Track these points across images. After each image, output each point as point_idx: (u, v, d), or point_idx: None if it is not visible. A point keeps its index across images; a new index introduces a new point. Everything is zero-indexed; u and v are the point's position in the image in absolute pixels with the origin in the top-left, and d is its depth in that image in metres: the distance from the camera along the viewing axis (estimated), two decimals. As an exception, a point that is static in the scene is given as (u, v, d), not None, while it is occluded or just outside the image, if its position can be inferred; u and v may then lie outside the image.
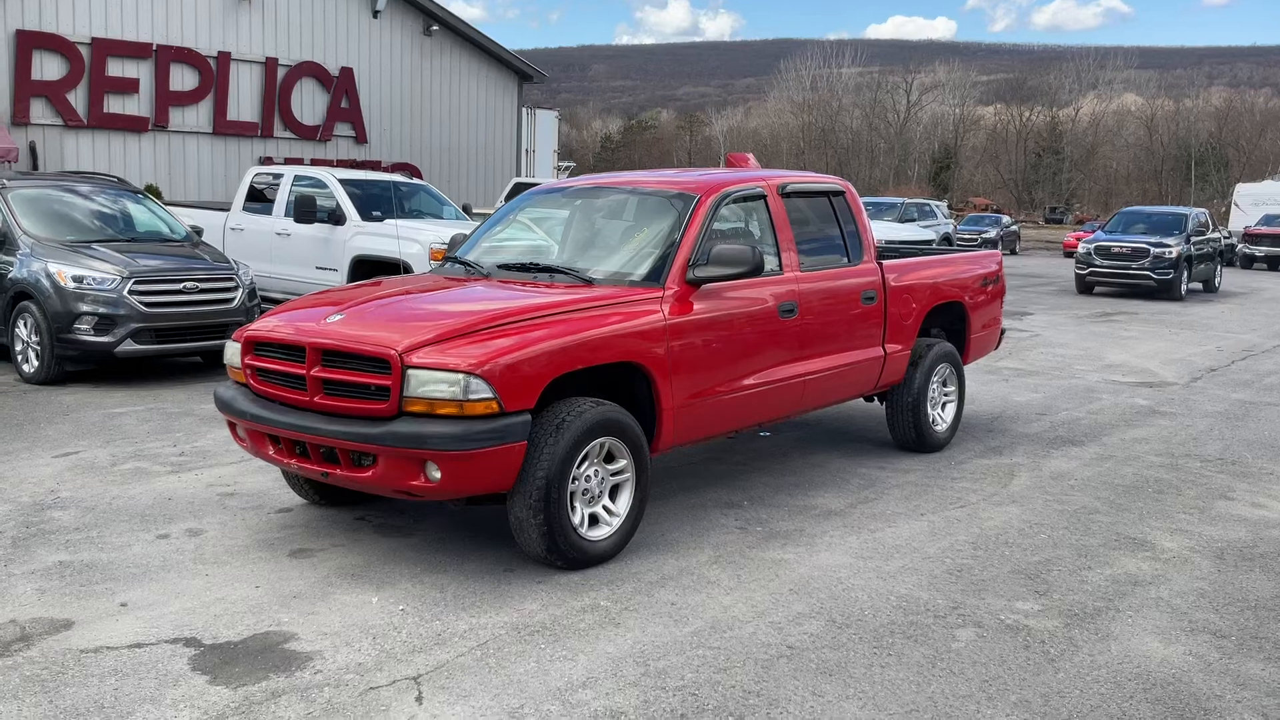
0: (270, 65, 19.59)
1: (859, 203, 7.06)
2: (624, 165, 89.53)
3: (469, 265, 6.01)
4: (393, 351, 4.68)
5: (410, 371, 4.64)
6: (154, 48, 18.21)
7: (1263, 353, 13.90)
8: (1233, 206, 41.26)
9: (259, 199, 13.27)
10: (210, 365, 10.29)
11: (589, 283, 5.52)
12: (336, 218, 12.11)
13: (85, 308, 9.07)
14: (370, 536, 5.45)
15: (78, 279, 9.13)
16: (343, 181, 12.50)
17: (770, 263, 6.07)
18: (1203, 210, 24.68)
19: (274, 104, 19.66)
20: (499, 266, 5.88)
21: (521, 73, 22.64)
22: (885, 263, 7.07)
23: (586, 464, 4.98)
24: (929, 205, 29.02)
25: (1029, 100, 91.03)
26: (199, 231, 11.40)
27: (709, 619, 4.47)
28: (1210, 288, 23.50)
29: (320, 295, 5.83)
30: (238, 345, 5.36)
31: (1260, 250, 33.84)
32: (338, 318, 5.04)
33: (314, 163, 18.13)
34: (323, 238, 12.21)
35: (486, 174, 21.84)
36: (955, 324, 7.81)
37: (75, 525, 5.51)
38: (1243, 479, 7.03)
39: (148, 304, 9.24)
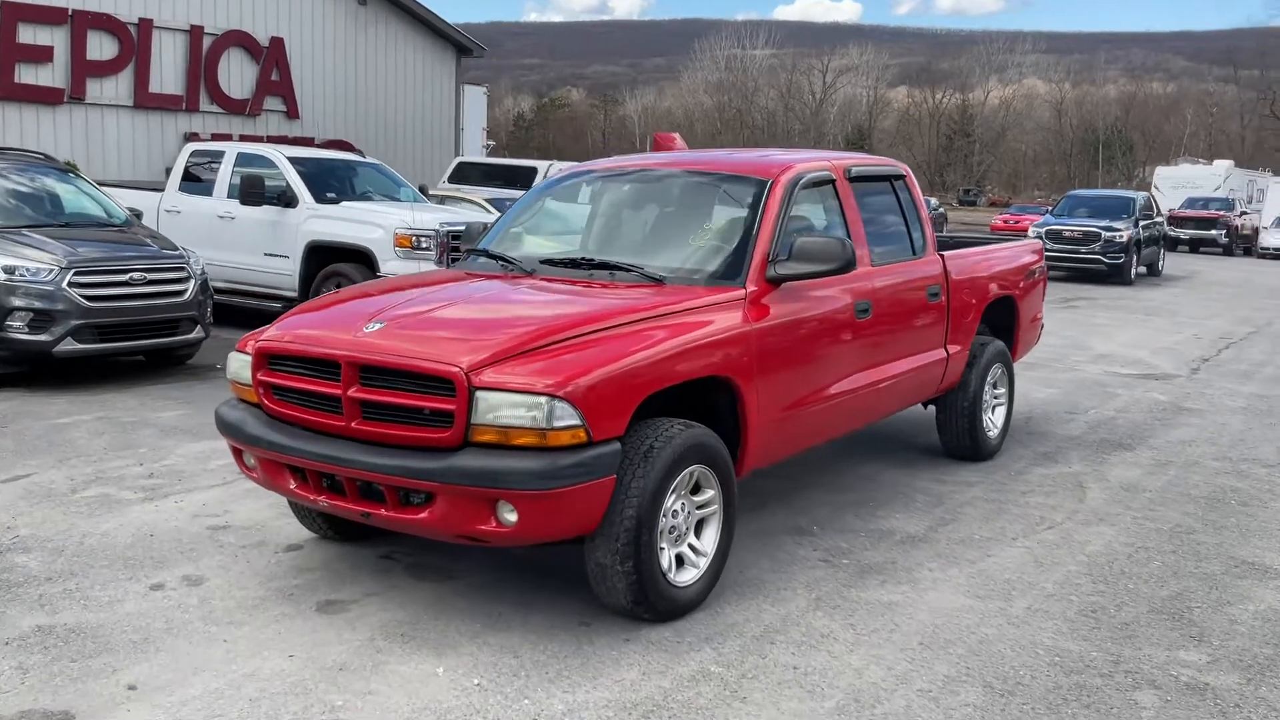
0: (195, 34, 18.19)
1: (918, 188, 6.38)
2: (538, 145, 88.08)
3: (506, 261, 5.17)
4: (457, 369, 3.86)
5: (480, 394, 3.83)
6: (69, 13, 16.73)
7: (1242, 340, 13.68)
8: (1153, 190, 41.87)
9: (192, 179, 12.13)
10: (155, 366, 9.22)
11: (657, 282, 4.74)
12: (287, 199, 11.09)
13: (18, 302, 7.96)
14: (405, 581, 4.63)
15: (8, 269, 8.01)
16: (292, 160, 11.46)
17: (847, 257, 5.35)
18: (1145, 194, 24.72)
19: (200, 75, 18.23)
20: (543, 262, 5.06)
21: (460, 45, 21.51)
22: (945, 254, 6.41)
23: (674, 497, 4.23)
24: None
25: (938, 83, 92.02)
26: (138, 215, 10.29)
27: (846, 689, 3.76)
28: (1154, 271, 23.50)
29: (338, 297, 4.95)
30: (247, 358, 4.47)
31: (1185, 233, 34.31)
32: (376, 326, 4.19)
33: (243, 139, 16.88)
34: (271, 221, 11.18)
35: (425, 152, 20.74)
36: (1004, 319, 7.20)
37: (46, 574, 4.58)
38: (1318, 487, 6.57)
39: (89, 297, 8.16)
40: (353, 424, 4.07)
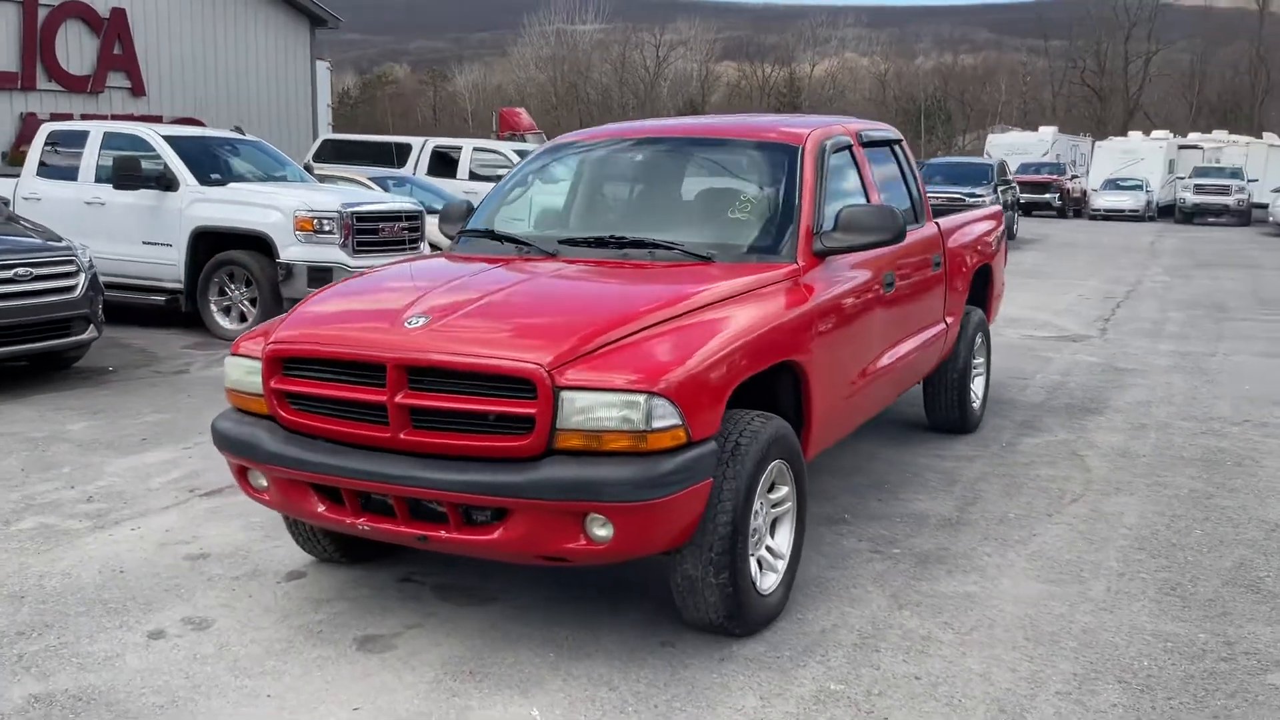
0: (29, 5, 16.46)
1: (910, 154, 6.13)
2: (365, 123, 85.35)
3: (520, 242, 4.64)
4: (537, 368, 3.36)
5: (565, 394, 3.34)
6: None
7: (1125, 299, 14.12)
8: (986, 157, 43.36)
9: (50, 163, 10.96)
10: (39, 371, 8.23)
11: (704, 260, 4.31)
12: (166, 182, 10.13)
13: (-116, 306, 6.95)
14: (442, 607, 4.09)
15: None
16: (169, 139, 10.47)
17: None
18: (998, 159, 25.42)
19: (35, 50, 16.54)
20: (562, 242, 4.55)
21: (315, 17, 20.30)
22: (939, 221, 6.17)
23: (757, 498, 3.83)
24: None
25: (766, 57, 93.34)
26: (5, 202, 9.20)
27: (984, 698, 3.45)
28: (1010, 235, 24.19)
29: (341, 291, 4.34)
30: (254, 363, 3.85)
31: (1022, 197, 35.55)
32: (421, 322, 3.64)
33: (85, 118, 15.48)
34: (149, 206, 10.19)
35: (281, 130, 19.46)
36: (980, 287, 7.03)
37: (15, 628, 3.86)
38: (1293, 443, 6.65)
39: (-32, 298, 7.20)
40: (401, 435, 3.53)
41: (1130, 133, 48.06)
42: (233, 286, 9.97)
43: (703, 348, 3.56)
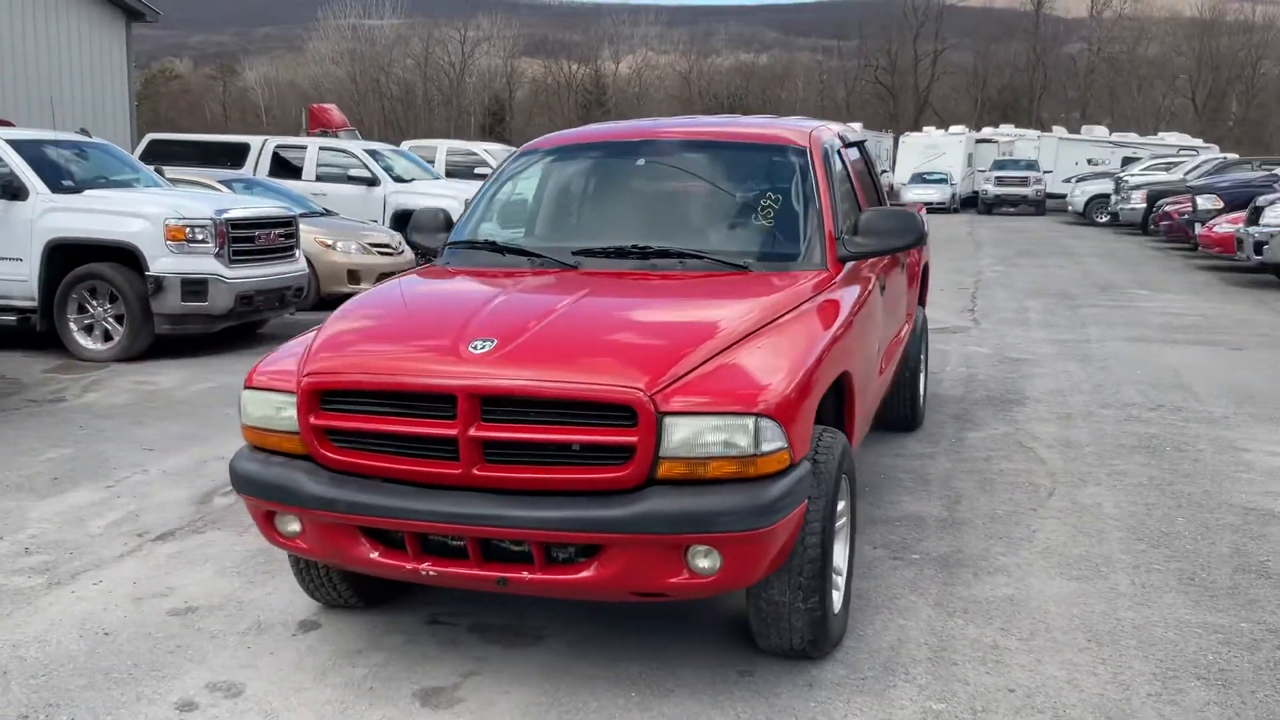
0: None
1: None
2: (149, 119, 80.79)
3: (531, 254, 4.35)
4: (638, 392, 3.13)
5: (669, 420, 3.13)
6: None
7: (977, 290, 14.71)
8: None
9: None
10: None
11: (741, 269, 4.15)
12: (13, 190, 9.20)
13: None
14: (490, 650, 3.80)
15: None
16: (11, 143, 9.52)
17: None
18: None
19: None
20: (577, 253, 4.29)
21: (131, 10, 18.93)
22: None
23: (828, 515, 3.70)
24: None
25: (571, 54, 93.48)
26: None
27: (1086, 706, 3.42)
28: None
29: (369, 314, 3.98)
30: (285, 397, 3.47)
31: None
32: (487, 346, 3.35)
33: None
34: (-8, 217, 9.24)
35: (98, 130, 18.07)
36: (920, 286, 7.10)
37: (20, 710, 3.36)
38: (1209, 425, 6.98)
39: None
40: (475, 471, 3.23)
41: (926, 128, 50.31)
42: (95, 303, 9.15)
43: (794, 365, 3.41)
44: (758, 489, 3.17)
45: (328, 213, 13.53)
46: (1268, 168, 23.51)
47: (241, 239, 9.39)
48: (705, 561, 3.19)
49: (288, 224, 10.08)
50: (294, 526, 3.54)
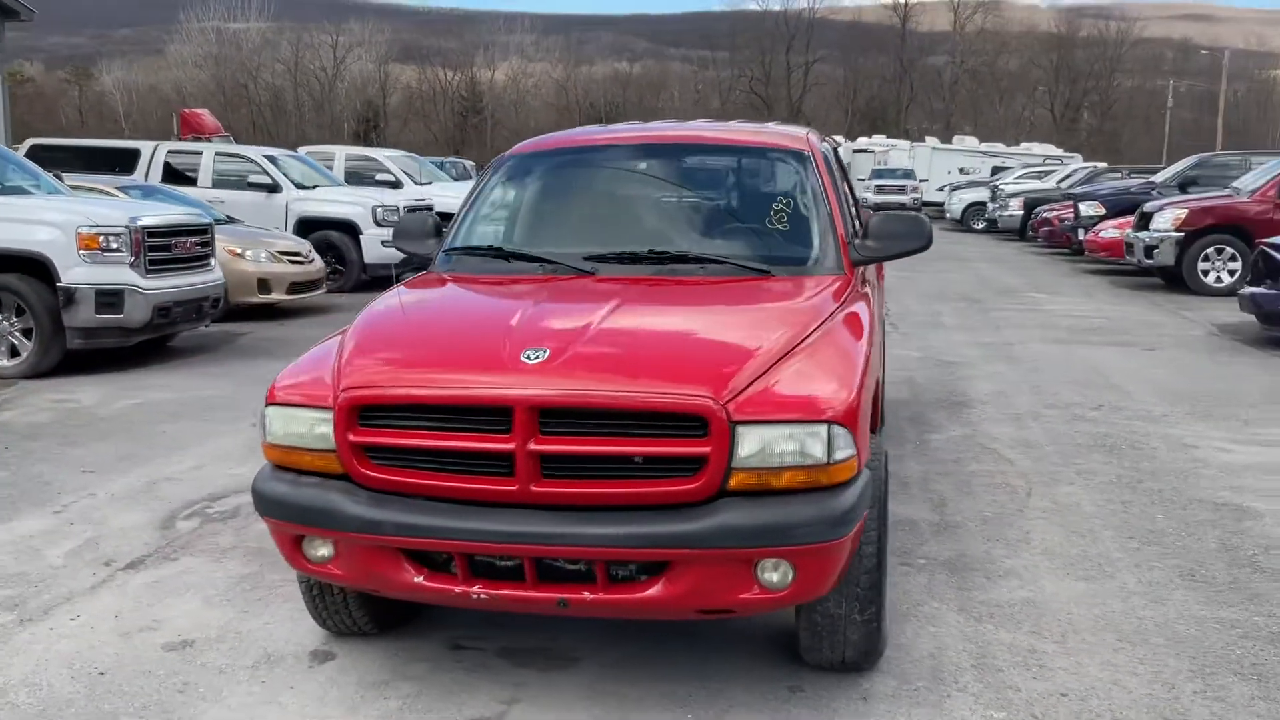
0: None
1: (839, 160, 6.11)
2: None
3: (542, 260, 4.18)
4: (711, 402, 3.02)
5: (742, 429, 3.03)
6: None
7: (886, 293, 14.93)
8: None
9: None
10: None
11: (764, 274, 4.08)
12: (-95, 196, 8.58)
13: None
14: (526, 674, 3.63)
15: None
16: (-100, 145, 8.87)
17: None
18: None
19: None
20: (590, 259, 4.13)
21: (4, 9, 17.88)
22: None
23: (873, 522, 3.65)
24: (464, 164, 28.10)
25: (447, 61, 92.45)
26: None
27: (1141, 708, 3.43)
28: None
29: (397, 325, 3.78)
30: (319, 413, 3.25)
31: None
32: (541, 356, 3.19)
33: None
34: (-119, 226, 8.58)
35: (-32, 136, 17.06)
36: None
37: (28, 767, 3.07)
38: (1153, 423, 7.19)
39: None
40: (532, 487, 3.08)
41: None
42: (0, 316, 8.58)
43: (851, 370, 3.35)
44: (831, 498, 3.09)
45: (230, 220, 13.01)
46: (1140, 176, 24.58)
47: (158, 248, 8.93)
48: (776, 575, 3.10)
49: (204, 231, 9.64)
50: (324, 551, 3.32)
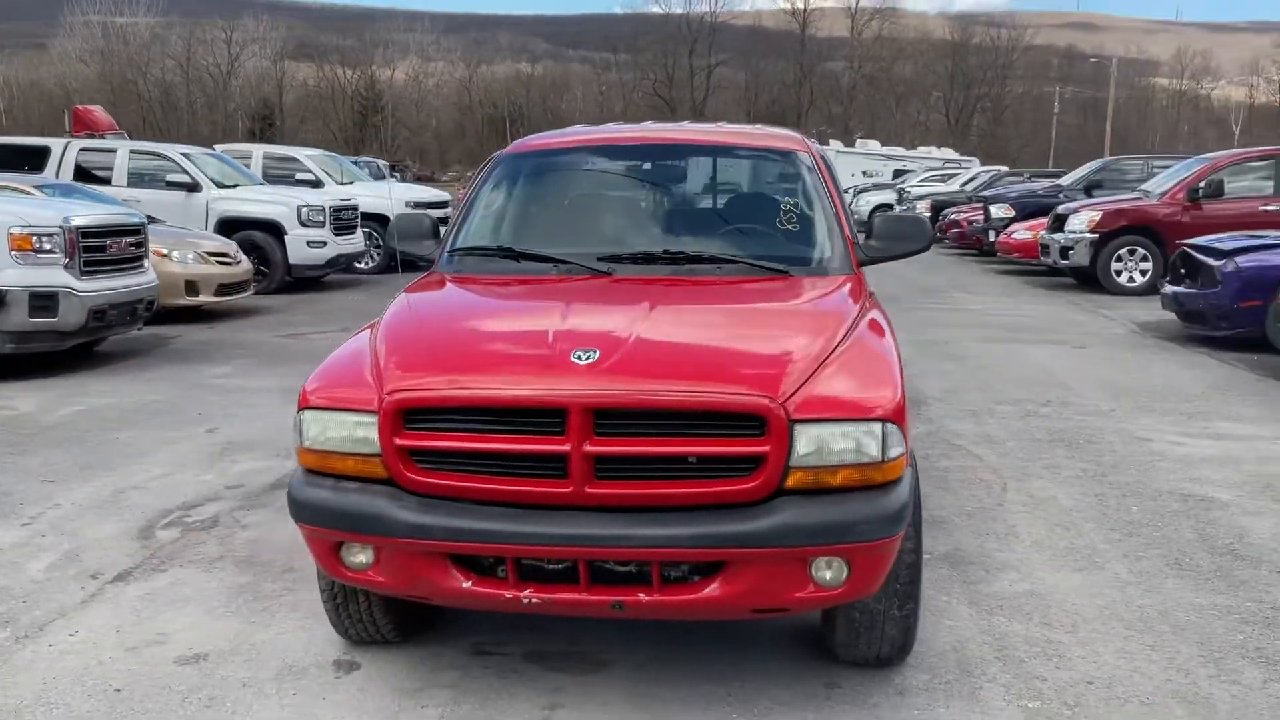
0: None
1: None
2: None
3: (555, 261, 4.13)
4: (770, 401, 3.03)
5: (800, 428, 3.05)
6: None
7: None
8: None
9: None
10: None
11: (781, 274, 4.10)
12: None
13: None
14: (560, 678, 3.59)
15: None
16: None
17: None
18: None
19: None
20: (604, 259, 4.10)
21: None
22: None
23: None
24: (378, 163, 27.65)
25: (345, 59, 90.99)
26: None
27: (1165, 693, 3.54)
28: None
29: (430, 326, 3.70)
30: (362, 416, 3.17)
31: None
32: (591, 357, 3.16)
33: None
34: None
35: None
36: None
37: (66, 790, 2.93)
38: (1103, 418, 7.42)
39: None
40: (587, 489, 3.05)
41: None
42: (-77, 320, 8.18)
43: (893, 369, 3.39)
44: (884, 495, 3.13)
45: (152, 220, 12.59)
46: (1042, 179, 25.36)
47: (92, 248, 8.62)
48: (830, 573, 3.12)
49: (137, 231, 9.34)
50: (362, 558, 3.24)
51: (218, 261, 11.90)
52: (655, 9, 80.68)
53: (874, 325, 3.75)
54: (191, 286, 11.48)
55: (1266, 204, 14.40)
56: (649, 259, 4.11)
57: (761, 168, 4.72)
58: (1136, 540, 4.98)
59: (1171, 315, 11.74)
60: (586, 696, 3.48)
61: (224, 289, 11.86)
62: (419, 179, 52.87)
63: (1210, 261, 10.45)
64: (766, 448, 3.02)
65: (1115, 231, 15.09)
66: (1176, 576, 4.54)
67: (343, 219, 15.19)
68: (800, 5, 78.38)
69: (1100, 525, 5.19)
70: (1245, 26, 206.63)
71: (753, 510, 3.04)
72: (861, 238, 4.56)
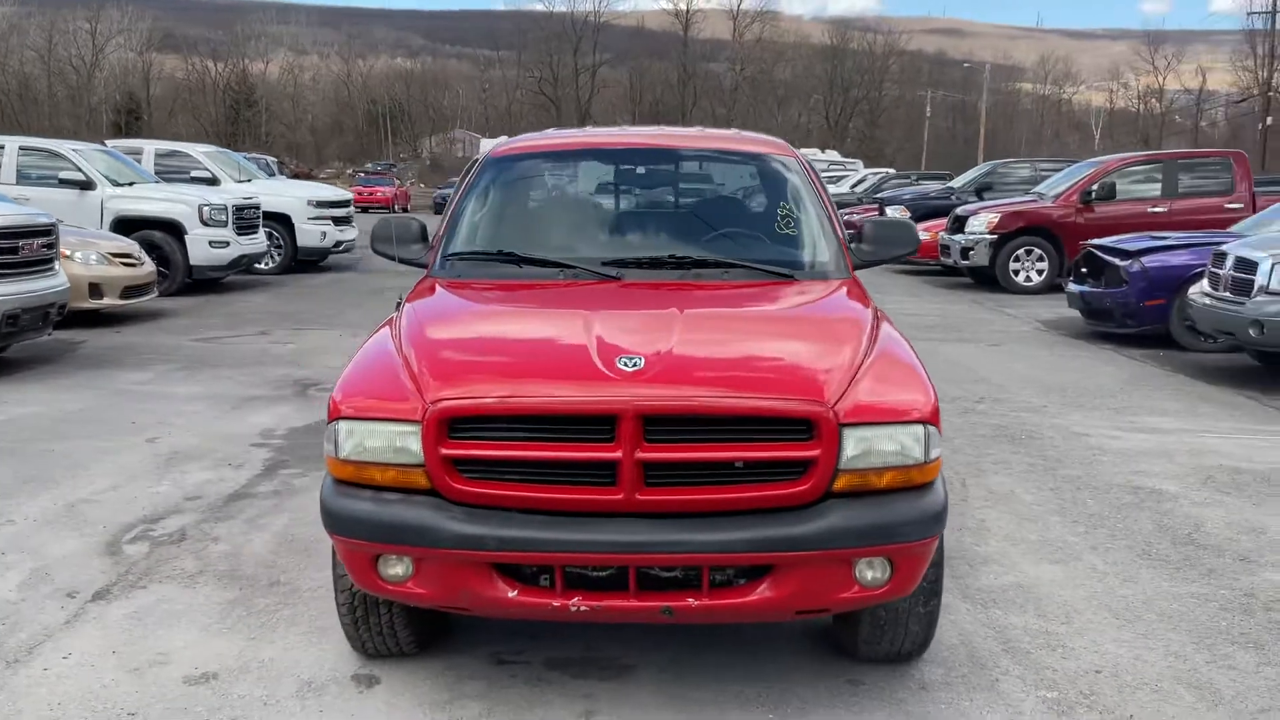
0: None
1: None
2: None
3: (561, 266, 4.09)
4: (820, 406, 3.07)
5: (849, 431, 3.09)
6: None
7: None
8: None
9: None
10: None
11: (788, 279, 4.15)
12: None
13: None
14: (587, 685, 3.57)
15: None
16: None
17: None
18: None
19: None
20: (609, 264, 4.09)
21: None
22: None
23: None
24: (266, 159, 26.87)
25: (215, 51, 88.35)
26: None
27: (1171, 679, 3.70)
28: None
29: (453, 331, 3.64)
30: (402, 426, 3.10)
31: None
32: (639, 363, 3.15)
33: None
34: None
35: None
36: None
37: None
38: (1038, 414, 7.69)
39: None
40: (637, 495, 3.05)
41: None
42: None
43: (921, 372, 3.47)
44: (925, 496, 3.21)
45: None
46: (929, 181, 26.11)
47: (4, 250, 8.21)
48: (872, 573, 3.18)
49: (48, 233, 8.91)
50: (399, 570, 3.17)
51: (122, 263, 11.44)
52: (538, 6, 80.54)
53: (891, 329, 3.82)
54: (95, 289, 11.01)
55: (1154, 205, 15.11)
56: (654, 263, 4.11)
57: (754, 172, 4.76)
58: (1102, 532, 5.18)
59: (1073, 313, 12.23)
60: (620, 700, 3.46)
61: (129, 291, 11.40)
62: (296, 176, 51.81)
63: (1116, 261, 10.91)
64: (817, 451, 3.05)
65: (1013, 233, 15.62)
66: (1149, 567, 4.74)
67: (245, 218, 14.76)
68: (683, 6, 79.09)
69: (1064, 518, 5.37)
70: (1102, 34, 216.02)
71: (802, 513, 3.07)
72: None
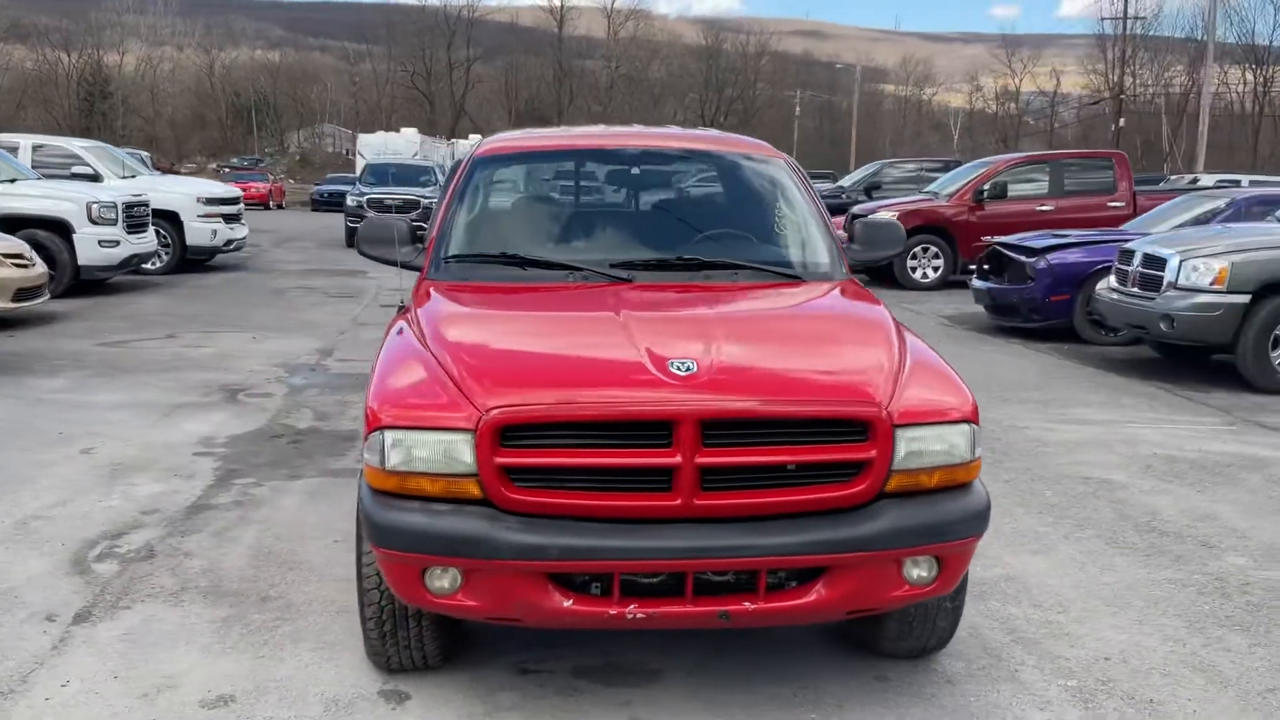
0: None
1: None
2: None
3: (568, 268, 4.03)
4: (876, 408, 3.10)
5: (902, 432, 3.13)
6: None
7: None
8: (358, 156, 43.64)
9: None
10: None
11: (794, 279, 4.18)
12: None
13: None
14: (621, 692, 3.53)
15: None
16: None
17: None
18: (436, 162, 25.85)
19: None
20: (617, 265, 4.04)
21: None
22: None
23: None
24: (142, 155, 25.72)
25: (68, 41, 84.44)
26: None
27: (1177, 662, 3.85)
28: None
29: (486, 336, 3.56)
30: (455, 435, 3.01)
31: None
32: (690, 367, 3.13)
33: None
34: None
35: None
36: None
37: None
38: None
39: None
40: (695, 500, 3.03)
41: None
42: None
43: (953, 372, 3.53)
44: (970, 494, 3.27)
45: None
46: (823, 180, 26.64)
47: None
48: (920, 572, 3.22)
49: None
50: (445, 583, 3.08)
51: (13, 264, 10.82)
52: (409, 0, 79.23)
53: (910, 331, 3.88)
54: (-14, 292, 10.39)
55: (1042, 204, 15.71)
56: (664, 265, 4.09)
57: (750, 174, 4.75)
58: (1068, 523, 5.36)
59: (973, 309, 12.64)
60: (658, 706, 3.44)
61: (21, 294, 10.79)
62: (160, 170, 49.43)
63: (1022, 259, 11.30)
64: (872, 453, 3.08)
65: (910, 231, 16.00)
66: (1121, 554, 4.92)
67: (135, 216, 14.15)
68: (557, 3, 78.84)
69: (1028, 510, 5.54)
70: (956, 37, 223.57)
71: (857, 515, 3.10)
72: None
